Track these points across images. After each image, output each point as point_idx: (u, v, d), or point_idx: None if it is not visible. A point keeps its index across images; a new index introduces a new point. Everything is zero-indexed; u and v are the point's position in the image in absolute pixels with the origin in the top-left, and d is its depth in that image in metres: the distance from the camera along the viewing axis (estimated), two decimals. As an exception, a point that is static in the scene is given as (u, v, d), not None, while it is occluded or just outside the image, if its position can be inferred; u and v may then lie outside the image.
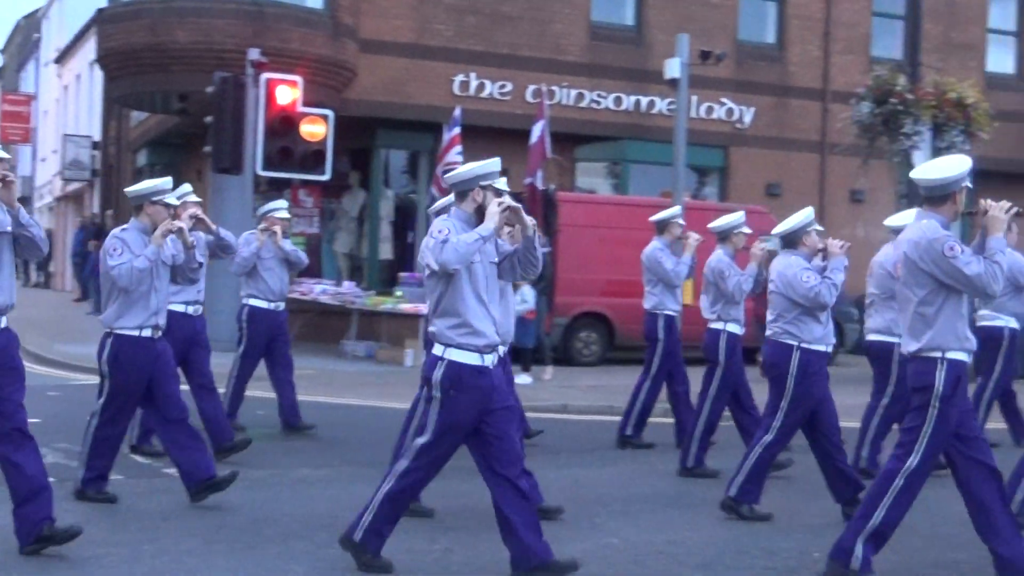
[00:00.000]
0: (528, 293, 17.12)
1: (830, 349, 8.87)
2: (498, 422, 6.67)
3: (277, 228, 11.96)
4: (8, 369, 6.92)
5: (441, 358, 6.61)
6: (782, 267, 8.67)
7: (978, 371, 14.05)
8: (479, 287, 6.63)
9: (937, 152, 18.49)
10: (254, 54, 16.41)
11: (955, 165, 6.66)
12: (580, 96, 23.66)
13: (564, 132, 21.99)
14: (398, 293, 20.34)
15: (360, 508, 6.83)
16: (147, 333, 8.33)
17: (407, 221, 24.07)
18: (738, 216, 10.76)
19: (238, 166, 16.71)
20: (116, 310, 8.29)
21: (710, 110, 24.78)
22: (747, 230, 10.81)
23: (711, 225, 10.96)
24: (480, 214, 6.68)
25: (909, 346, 6.66)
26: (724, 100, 24.95)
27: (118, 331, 8.29)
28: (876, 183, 23.36)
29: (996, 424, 12.59)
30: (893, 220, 10.87)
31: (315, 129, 16.06)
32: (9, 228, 6.98)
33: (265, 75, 15.98)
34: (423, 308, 19.52)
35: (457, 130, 20.39)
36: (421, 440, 6.73)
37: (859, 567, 6.63)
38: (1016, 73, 28.35)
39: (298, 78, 16.11)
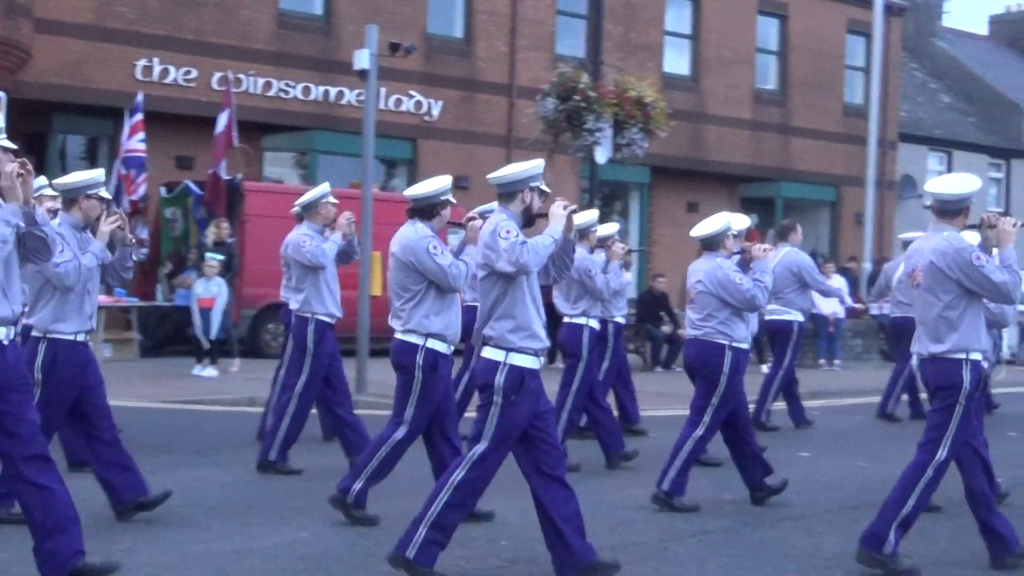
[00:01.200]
0: (221, 284, 16.77)
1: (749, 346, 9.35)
2: (546, 425, 6.64)
3: (52, 205, 11.15)
4: (23, 386, 6.19)
5: (503, 363, 6.47)
6: (709, 268, 8.96)
7: (762, 360, 15.00)
8: (533, 290, 6.58)
9: (618, 148, 19.16)
10: (-83, 30, 15.49)
11: (970, 183, 7.18)
12: (268, 85, 23.36)
13: (251, 121, 21.69)
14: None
15: (408, 524, 6.57)
16: (81, 338, 7.69)
17: (86, 209, 23.18)
18: (592, 215, 10.78)
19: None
20: (52, 313, 7.57)
21: (399, 102, 24.90)
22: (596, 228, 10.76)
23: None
24: (526, 215, 6.67)
25: (930, 348, 7.07)
26: (413, 93, 25.11)
27: (53, 335, 7.59)
28: (560, 177, 23.93)
29: (778, 406, 13.52)
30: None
31: (-14, 112, 15.29)
32: (22, 225, 6.05)
33: (-70, 53, 15.10)
34: (106, 300, 19.00)
35: (140, 116, 19.84)
36: (480, 448, 6.53)
37: (891, 551, 7.02)
38: (690, 74, 29.62)
39: (-33, 57, 15.30)
